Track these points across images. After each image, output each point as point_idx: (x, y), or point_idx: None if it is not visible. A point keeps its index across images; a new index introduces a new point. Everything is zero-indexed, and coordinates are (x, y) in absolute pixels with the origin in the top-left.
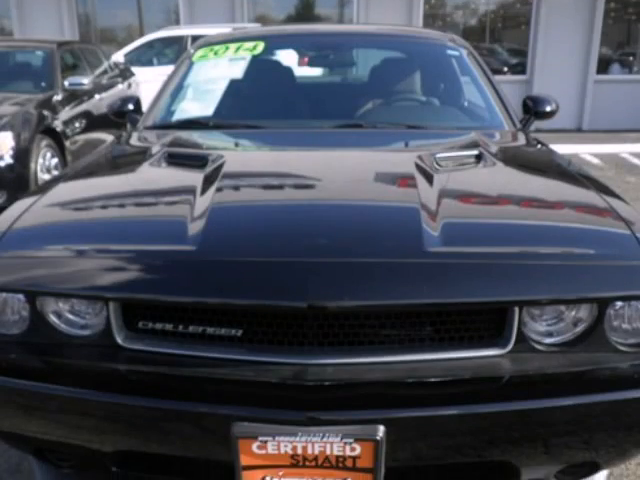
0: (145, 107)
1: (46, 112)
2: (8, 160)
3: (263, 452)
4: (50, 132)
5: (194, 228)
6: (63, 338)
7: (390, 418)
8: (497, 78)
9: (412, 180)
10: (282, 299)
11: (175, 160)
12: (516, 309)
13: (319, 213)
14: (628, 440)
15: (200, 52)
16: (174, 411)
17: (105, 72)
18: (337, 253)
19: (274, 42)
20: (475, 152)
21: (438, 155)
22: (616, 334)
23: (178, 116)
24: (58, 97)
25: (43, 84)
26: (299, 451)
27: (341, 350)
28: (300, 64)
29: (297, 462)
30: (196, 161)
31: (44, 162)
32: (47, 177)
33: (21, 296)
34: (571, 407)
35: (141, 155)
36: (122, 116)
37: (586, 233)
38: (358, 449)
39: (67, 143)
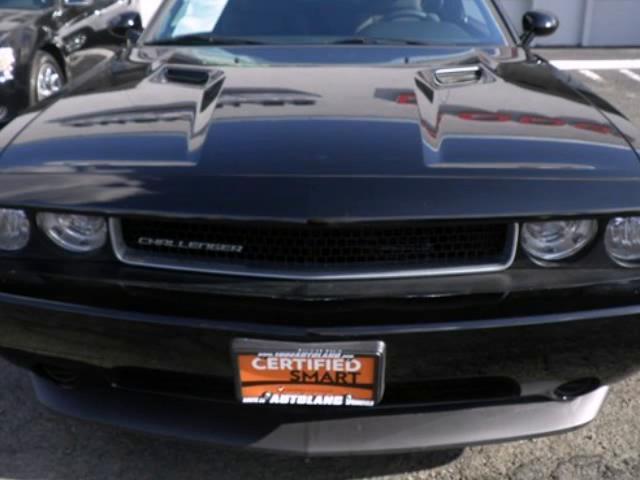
0: (145, 23)
1: (46, 28)
2: (8, 76)
3: (263, 368)
4: (50, 48)
5: (194, 144)
6: (63, 254)
7: (390, 334)
8: None
9: (412, 96)
10: (282, 215)
11: (175, 76)
12: (516, 225)
13: (319, 129)
14: (628, 356)
15: None
16: (174, 327)
17: None
18: (337, 169)
19: None
20: (475, 68)
21: (438, 71)
22: (616, 250)
23: (178, 32)
24: (58, 13)
25: (43, 0)
26: (299, 367)
27: (341, 266)
28: None
29: (297, 378)
30: (196, 77)
31: (44, 78)
32: (47, 93)
33: (21, 212)
34: (571, 323)
35: (141, 71)
36: (122, 32)
37: (586, 149)
38: (358, 365)
39: (67, 59)
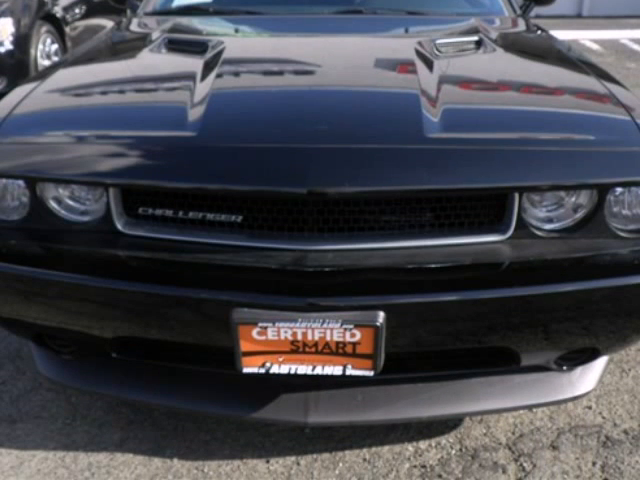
0: None
1: None
2: (8, 46)
3: (263, 338)
4: (50, 18)
5: (194, 114)
6: (63, 224)
7: (390, 304)
8: None
9: (412, 66)
10: (282, 185)
11: (175, 46)
12: (516, 195)
13: (319, 99)
14: (628, 326)
15: None
16: (174, 297)
17: None
18: (337, 139)
19: None
20: (475, 38)
21: (438, 41)
22: (616, 220)
23: (178, 2)
24: None
25: None
26: (299, 337)
27: (341, 236)
28: None
29: (297, 348)
30: (196, 47)
31: (44, 48)
32: (47, 63)
33: (21, 182)
34: (571, 293)
35: (141, 41)
36: (122, 2)
37: (586, 119)
38: (358, 335)
39: (67, 29)
